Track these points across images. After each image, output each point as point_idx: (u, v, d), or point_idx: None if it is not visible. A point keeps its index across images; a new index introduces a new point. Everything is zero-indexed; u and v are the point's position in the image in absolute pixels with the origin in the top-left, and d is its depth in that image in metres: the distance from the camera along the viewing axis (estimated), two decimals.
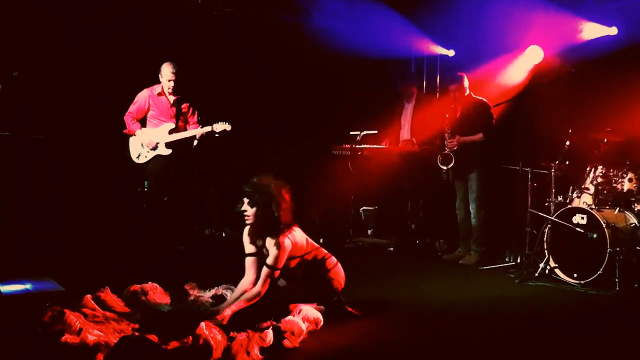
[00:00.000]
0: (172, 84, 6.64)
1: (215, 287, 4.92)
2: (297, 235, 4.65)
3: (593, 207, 6.02)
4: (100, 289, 4.52)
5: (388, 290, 5.63)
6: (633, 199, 6.05)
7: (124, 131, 6.77)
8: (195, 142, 6.73)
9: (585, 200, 6.18)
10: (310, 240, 4.78)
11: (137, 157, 6.73)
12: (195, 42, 7.64)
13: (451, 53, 8.87)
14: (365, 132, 7.94)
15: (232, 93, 7.84)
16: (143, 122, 6.79)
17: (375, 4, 8.21)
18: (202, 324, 3.77)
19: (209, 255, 6.73)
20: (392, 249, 7.57)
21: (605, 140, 6.25)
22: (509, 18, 7.52)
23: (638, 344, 4.36)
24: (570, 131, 6.42)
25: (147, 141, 6.66)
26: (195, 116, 6.88)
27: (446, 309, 5.06)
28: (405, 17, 8.48)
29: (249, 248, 4.68)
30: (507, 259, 6.88)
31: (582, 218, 5.95)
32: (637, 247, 5.76)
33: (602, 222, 5.76)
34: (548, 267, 6.13)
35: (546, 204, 6.46)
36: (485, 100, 6.97)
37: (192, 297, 4.78)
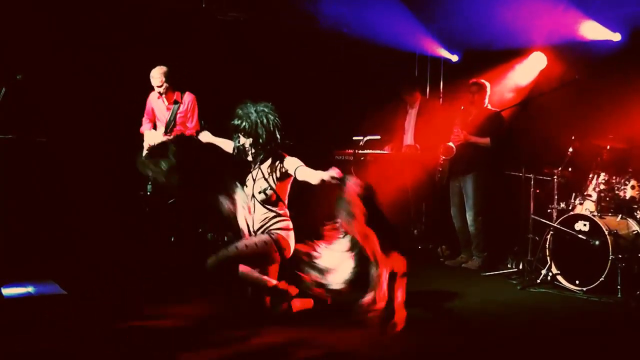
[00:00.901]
0: (160, 89, 6.64)
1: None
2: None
3: (595, 214, 6.02)
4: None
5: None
6: (635, 206, 6.04)
7: (140, 130, 6.89)
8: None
9: (587, 207, 6.18)
10: None
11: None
12: (196, 43, 7.63)
13: (455, 58, 8.88)
14: (368, 137, 7.92)
15: (234, 96, 7.82)
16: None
17: None
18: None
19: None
20: None
21: (608, 147, 6.25)
22: (515, 20, 7.52)
23: None
24: (573, 138, 6.42)
25: (146, 143, 6.69)
26: (193, 120, 6.81)
27: (448, 315, 5.06)
28: (412, 12, 8.44)
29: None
30: (509, 265, 6.88)
31: (585, 225, 5.95)
32: (639, 255, 5.76)
33: (604, 229, 5.76)
34: (550, 274, 6.12)
35: (549, 211, 6.46)
36: (499, 111, 6.96)
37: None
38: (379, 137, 7.96)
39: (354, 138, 7.99)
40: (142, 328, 4.44)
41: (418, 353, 4.17)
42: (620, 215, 6.00)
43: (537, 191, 6.62)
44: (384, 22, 8.28)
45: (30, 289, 5.21)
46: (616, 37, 7.19)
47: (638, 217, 6.00)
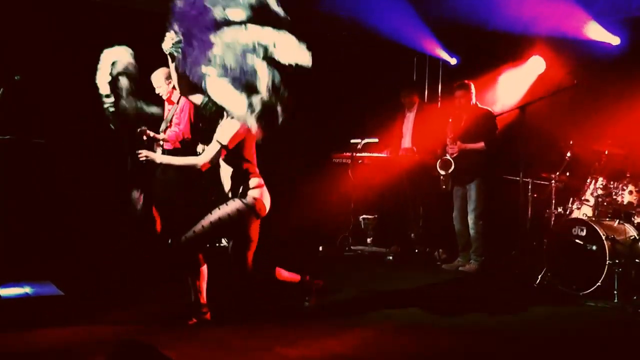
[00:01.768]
0: (159, 90, 6.64)
1: None
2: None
3: (593, 219, 6.03)
4: None
5: (387, 299, 5.63)
6: (633, 212, 6.05)
7: None
8: (159, 149, 6.64)
9: (585, 211, 6.19)
10: None
11: None
12: None
13: (453, 61, 8.89)
14: (366, 141, 7.95)
15: None
16: None
17: None
18: None
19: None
20: (391, 257, 7.56)
21: (606, 152, 6.26)
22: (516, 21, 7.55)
23: (637, 357, 4.37)
24: (571, 142, 6.44)
25: None
26: (182, 124, 6.64)
27: (444, 319, 5.06)
28: (414, 9, 8.43)
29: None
30: (506, 269, 6.88)
31: (582, 230, 5.95)
32: (637, 260, 5.76)
33: (601, 234, 5.77)
34: (547, 278, 6.13)
35: (546, 215, 6.47)
36: (490, 109, 6.99)
37: None
38: (376, 140, 7.98)
39: (352, 141, 8.02)
40: (140, 328, 4.43)
41: (417, 353, 4.16)
42: (617, 220, 6.01)
43: (535, 196, 6.63)
44: (384, 15, 8.27)
45: (27, 290, 5.21)
46: (615, 40, 7.21)
47: (635, 222, 6.00)
